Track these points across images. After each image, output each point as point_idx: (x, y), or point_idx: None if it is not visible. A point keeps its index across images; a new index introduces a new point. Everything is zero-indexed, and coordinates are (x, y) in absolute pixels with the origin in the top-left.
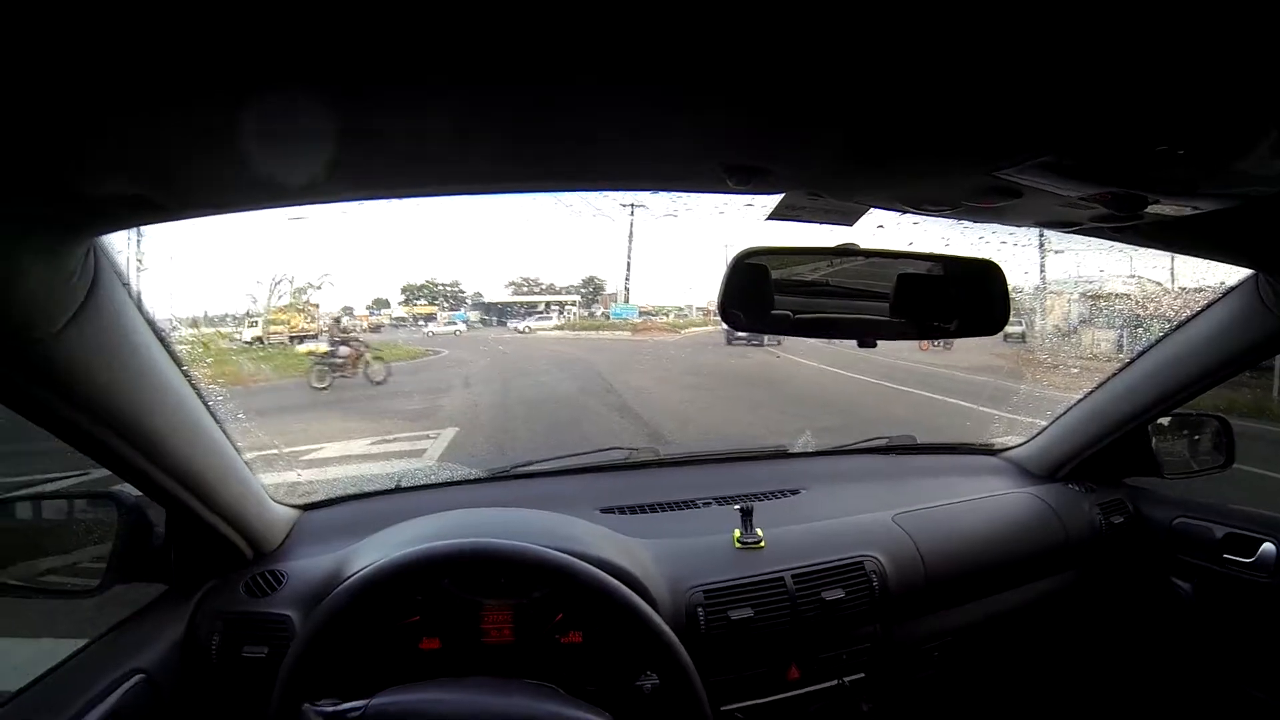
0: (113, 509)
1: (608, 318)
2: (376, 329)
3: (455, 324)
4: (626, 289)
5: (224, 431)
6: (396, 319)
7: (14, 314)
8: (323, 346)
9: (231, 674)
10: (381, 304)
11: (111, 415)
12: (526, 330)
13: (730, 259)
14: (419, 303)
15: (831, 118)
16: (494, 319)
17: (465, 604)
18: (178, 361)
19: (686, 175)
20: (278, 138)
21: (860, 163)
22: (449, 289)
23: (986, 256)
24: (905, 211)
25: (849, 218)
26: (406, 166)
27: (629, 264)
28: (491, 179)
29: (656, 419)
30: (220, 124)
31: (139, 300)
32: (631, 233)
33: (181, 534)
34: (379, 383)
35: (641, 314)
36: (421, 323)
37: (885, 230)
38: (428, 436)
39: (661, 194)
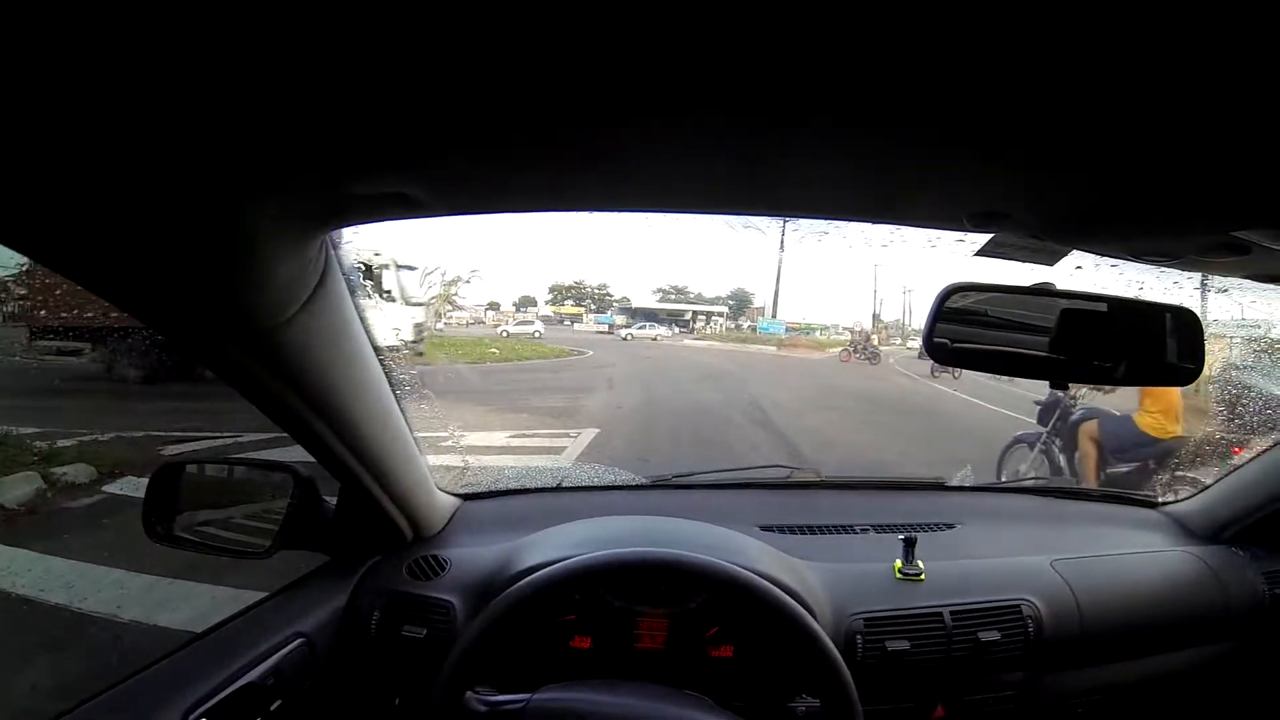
0: (288, 480)
1: (754, 331)
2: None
3: (602, 325)
4: (775, 304)
5: (405, 417)
6: (543, 318)
7: (255, 301)
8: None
9: (388, 650)
10: (528, 302)
11: (319, 398)
12: (629, 338)
13: (938, 293)
14: (566, 303)
15: (1086, 171)
16: (639, 323)
17: (622, 608)
18: (376, 348)
19: (927, 216)
20: (543, 155)
21: (1102, 215)
22: (597, 291)
23: (1180, 303)
24: (1125, 259)
25: (1052, 258)
26: (649, 187)
27: (779, 278)
28: (725, 203)
29: (796, 437)
30: (507, 139)
31: (354, 289)
32: (783, 246)
33: (350, 510)
34: None
35: (789, 330)
36: (568, 322)
37: (1083, 271)
38: (568, 435)
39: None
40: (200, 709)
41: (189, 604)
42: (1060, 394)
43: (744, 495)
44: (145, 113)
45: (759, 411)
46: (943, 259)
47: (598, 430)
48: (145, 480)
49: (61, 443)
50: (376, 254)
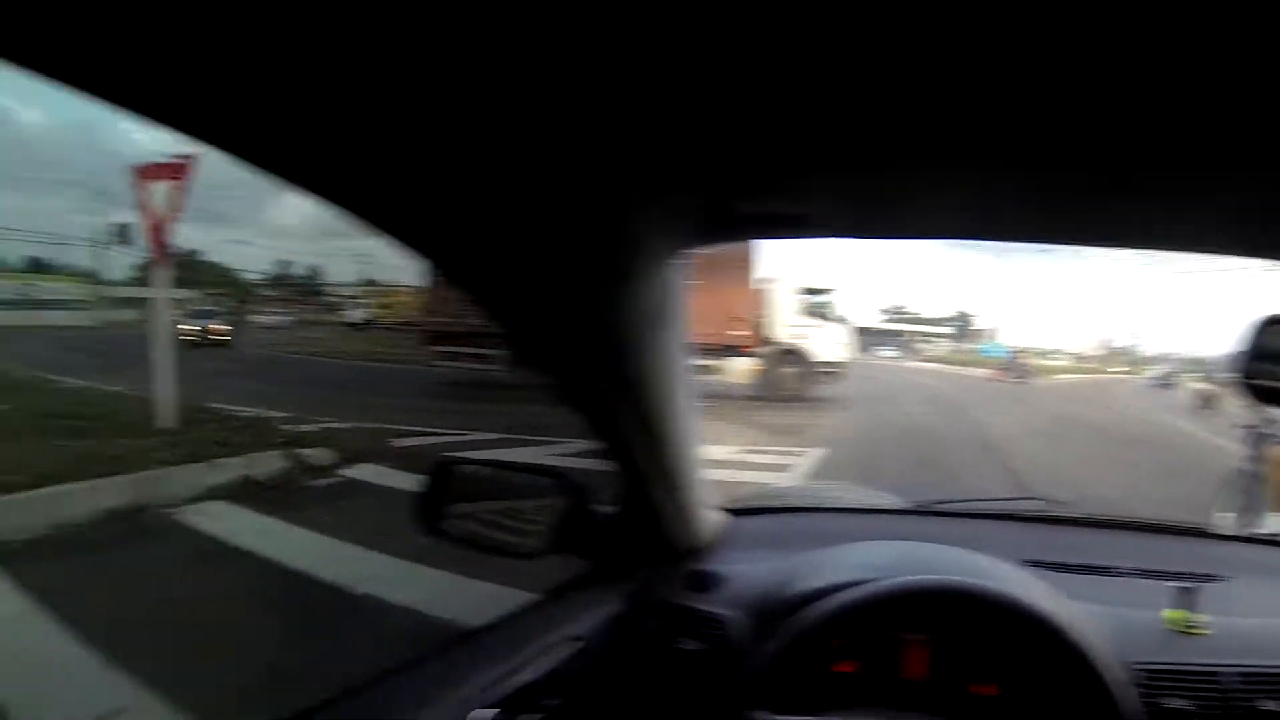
0: (560, 485)
1: (976, 354)
2: None
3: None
4: (998, 326)
5: (697, 429)
6: None
7: (620, 314)
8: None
9: (661, 660)
10: None
11: (645, 411)
12: None
13: (1255, 324)
14: None
15: None
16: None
17: (889, 634)
18: (689, 358)
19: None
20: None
21: None
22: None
23: None
24: None
25: None
26: (1019, 216)
27: (1002, 300)
28: (1117, 237)
29: (1022, 467)
30: (917, 160)
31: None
32: (1006, 268)
33: (627, 519)
34: None
35: (1011, 353)
36: None
37: None
38: (793, 454)
39: None
40: (483, 701)
41: (415, 586)
42: (1260, 419)
43: (1002, 527)
44: (541, 118)
45: (981, 437)
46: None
47: (824, 450)
48: (380, 467)
49: (305, 428)
50: (820, 279)
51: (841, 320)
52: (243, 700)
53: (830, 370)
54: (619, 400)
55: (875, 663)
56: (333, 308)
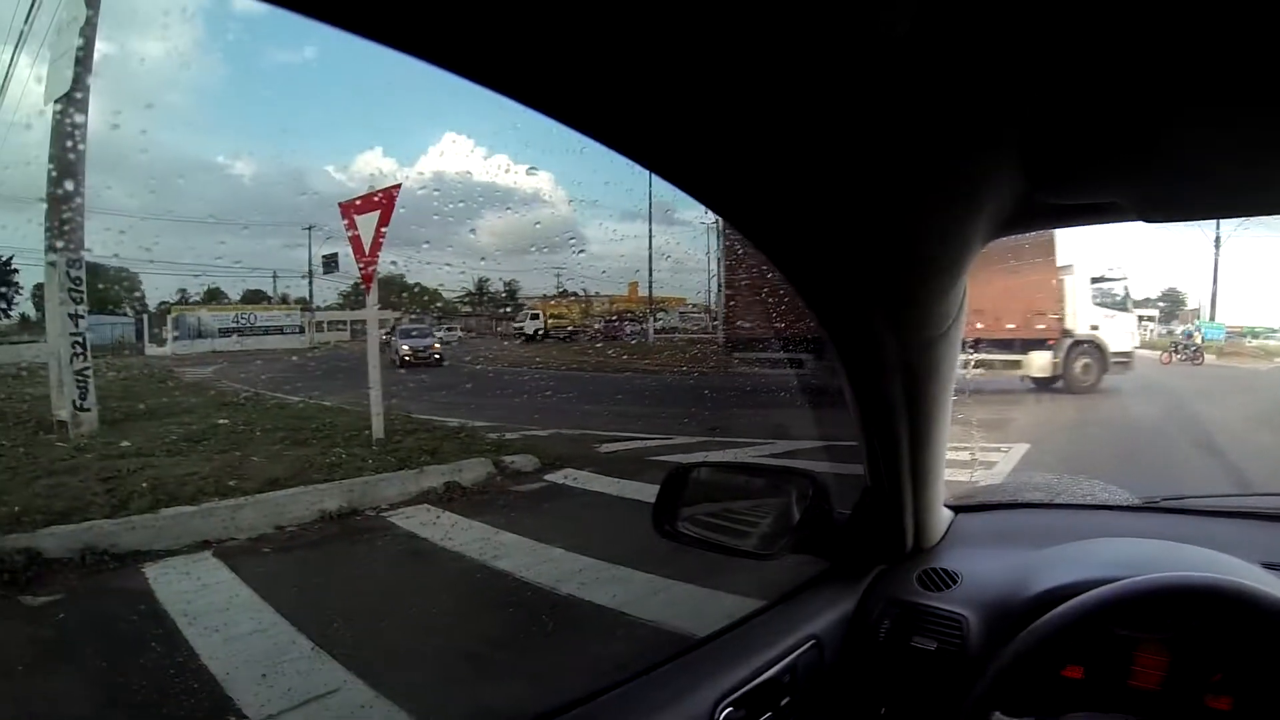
0: (796, 486)
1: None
2: None
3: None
4: (1213, 305)
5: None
6: None
7: (938, 311)
8: None
9: (895, 658)
10: None
11: (921, 408)
12: None
13: None
14: None
15: None
16: None
17: (1124, 636)
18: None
19: None
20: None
21: None
22: None
23: None
24: None
25: None
26: None
27: (1216, 275)
28: None
29: (1245, 464)
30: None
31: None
32: (1219, 239)
33: (865, 517)
34: None
35: (1229, 334)
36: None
37: None
38: (998, 449)
39: None
40: (729, 698)
41: (616, 586)
42: None
43: (1238, 525)
44: (894, 119)
45: (1197, 429)
46: None
47: (1028, 445)
48: (581, 472)
49: (508, 435)
50: (1111, 268)
51: (1131, 308)
52: (447, 694)
53: (1122, 360)
54: (904, 396)
55: (1104, 667)
56: (528, 318)
